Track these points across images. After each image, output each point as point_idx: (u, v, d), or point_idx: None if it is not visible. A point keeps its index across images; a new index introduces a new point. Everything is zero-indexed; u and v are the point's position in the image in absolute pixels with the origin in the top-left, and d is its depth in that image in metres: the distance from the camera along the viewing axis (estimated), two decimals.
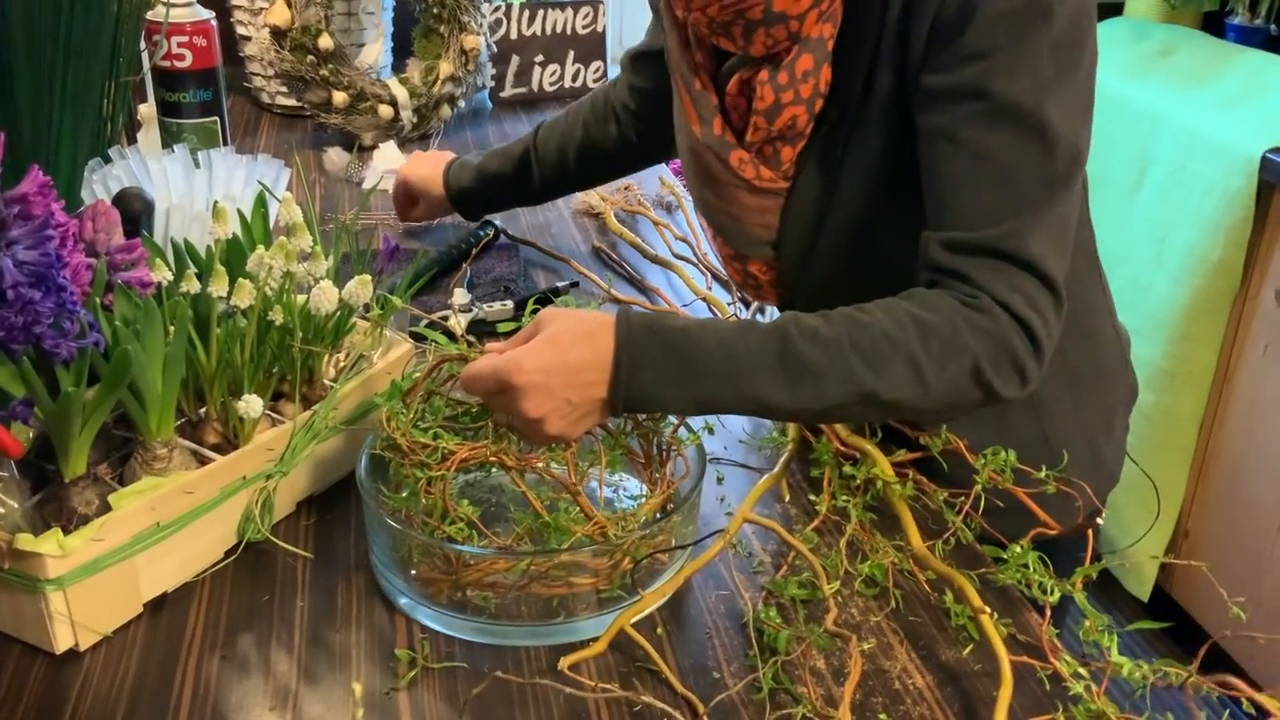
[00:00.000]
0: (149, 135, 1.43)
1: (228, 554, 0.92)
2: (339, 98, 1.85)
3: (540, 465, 0.86)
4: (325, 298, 0.91)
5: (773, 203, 0.98)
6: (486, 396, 0.84)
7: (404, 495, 0.85)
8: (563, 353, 0.81)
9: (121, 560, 0.83)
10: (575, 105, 1.39)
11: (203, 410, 0.94)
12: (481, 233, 1.47)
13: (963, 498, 0.91)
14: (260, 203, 1.02)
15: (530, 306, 0.96)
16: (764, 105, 0.92)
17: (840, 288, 0.92)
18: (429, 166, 1.46)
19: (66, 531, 0.79)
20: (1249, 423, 2.06)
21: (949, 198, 0.87)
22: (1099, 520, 0.85)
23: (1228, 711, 0.70)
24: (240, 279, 0.89)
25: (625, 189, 1.66)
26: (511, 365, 0.81)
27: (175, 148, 1.15)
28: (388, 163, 1.77)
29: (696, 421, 0.95)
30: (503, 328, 1.24)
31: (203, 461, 0.90)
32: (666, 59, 1.06)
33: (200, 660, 0.82)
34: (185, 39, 1.40)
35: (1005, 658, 0.78)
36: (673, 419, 0.93)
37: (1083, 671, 0.77)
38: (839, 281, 0.93)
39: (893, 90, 0.89)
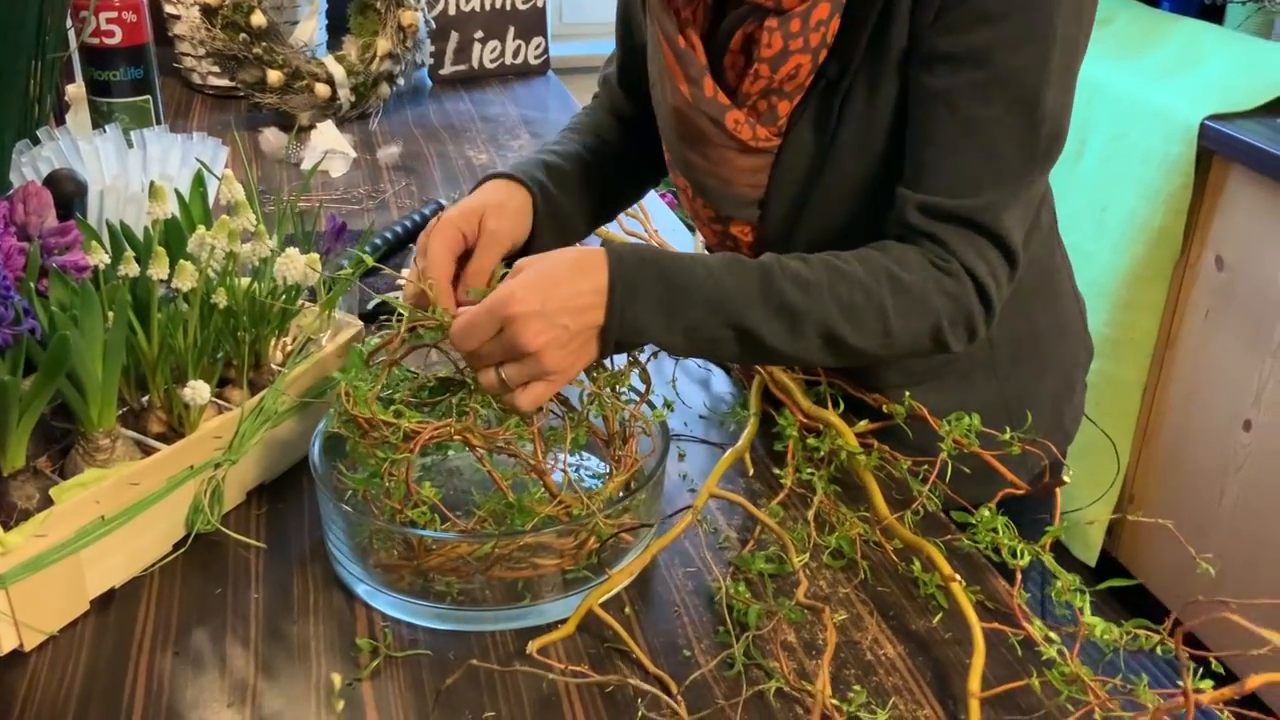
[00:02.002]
0: (78, 116, 1.38)
1: (176, 547, 0.89)
2: (273, 77, 1.80)
3: (504, 442, 0.83)
4: (292, 266, 0.88)
5: (764, 161, 0.96)
6: (480, 346, 0.80)
7: (362, 476, 0.83)
8: (556, 281, 0.80)
9: (65, 556, 0.79)
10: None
11: (145, 398, 0.90)
12: (427, 211, 1.44)
13: (927, 465, 0.90)
14: (199, 182, 0.98)
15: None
16: (770, 53, 0.90)
17: (824, 249, 0.91)
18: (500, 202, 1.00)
19: (6, 528, 0.76)
20: (1192, 388, 2.09)
21: (933, 161, 0.88)
22: (1066, 479, 0.84)
23: (1201, 669, 0.70)
24: (181, 261, 0.86)
25: None
26: (506, 297, 0.79)
27: (107, 128, 1.10)
28: (326, 143, 1.73)
29: (655, 400, 0.93)
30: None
31: (147, 452, 0.87)
32: (641, 15, 1.03)
33: (152, 657, 0.79)
34: (114, 14, 1.34)
35: (977, 625, 0.78)
36: (635, 395, 0.91)
37: (1054, 636, 0.77)
38: (823, 243, 0.92)
39: (904, 47, 0.88)
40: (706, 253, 1.05)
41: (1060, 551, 2.39)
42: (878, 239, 0.91)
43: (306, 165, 1.69)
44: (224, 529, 0.90)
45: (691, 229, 1.50)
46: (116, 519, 0.82)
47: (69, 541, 0.79)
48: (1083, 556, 2.31)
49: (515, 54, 2.16)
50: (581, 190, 1.06)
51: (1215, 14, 2.38)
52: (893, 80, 0.89)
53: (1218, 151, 1.94)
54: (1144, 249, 2.09)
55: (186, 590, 0.86)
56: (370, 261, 0.90)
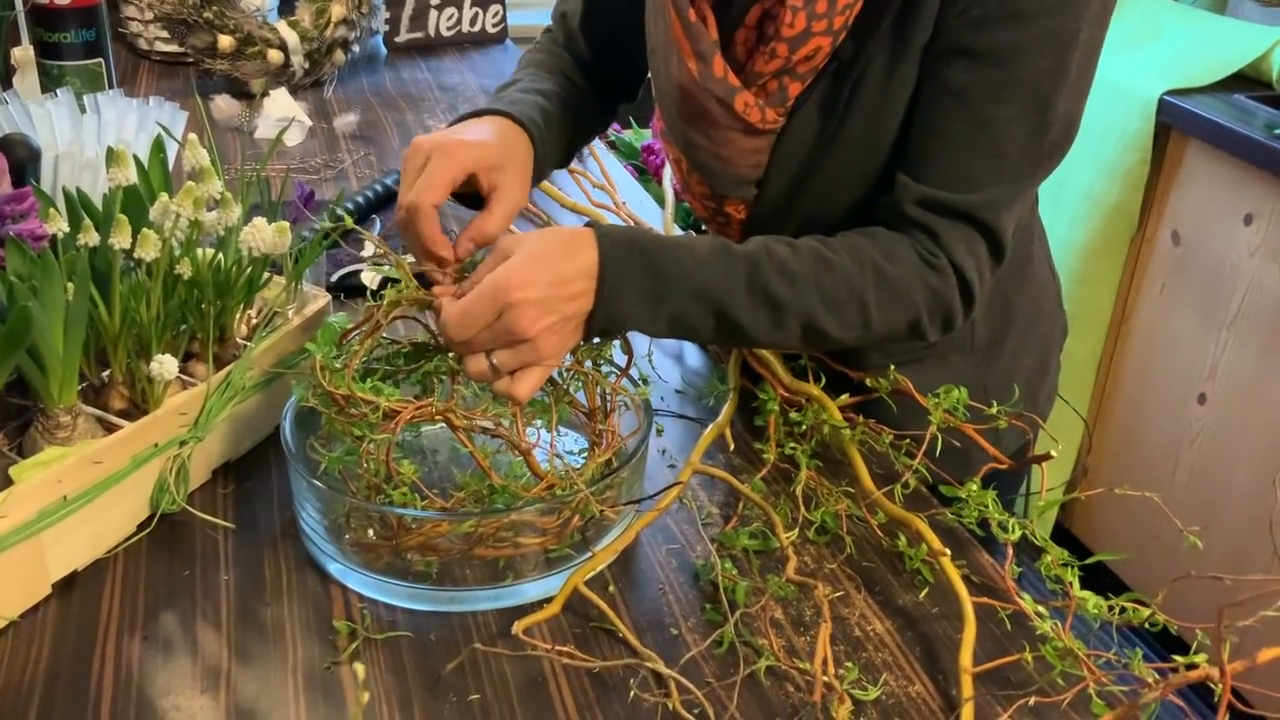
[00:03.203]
0: (26, 79, 1.32)
1: (141, 527, 0.85)
2: (224, 42, 1.75)
3: (487, 422, 0.81)
4: (260, 236, 0.85)
5: (766, 142, 0.94)
6: (477, 334, 0.78)
7: (339, 454, 0.80)
8: (551, 265, 0.78)
9: (26, 538, 0.76)
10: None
11: (106, 373, 0.87)
12: (389, 180, 1.40)
13: (910, 440, 0.89)
14: (158, 148, 0.94)
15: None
16: (791, 33, 0.86)
17: (818, 232, 0.89)
18: (484, 134, 0.91)
19: None
20: (1146, 362, 2.12)
21: (940, 153, 0.87)
22: (1053, 454, 0.84)
23: (1194, 645, 0.69)
24: (144, 230, 0.82)
25: None
26: (504, 283, 0.76)
27: (58, 92, 1.05)
28: (279, 111, 1.68)
29: (632, 374, 0.91)
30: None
31: (109, 429, 0.83)
32: None
33: (120, 642, 0.76)
34: None
35: (967, 599, 0.77)
36: (615, 370, 0.90)
37: (1043, 610, 0.77)
38: (818, 225, 0.90)
39: (929, 36, 0.86)
40: (691, 234, 1.03)
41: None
42: (872, 223, 0.90)
43: (260, 134, 1.64)
44: (190, 509, 0.87)
45: (660, 203, 1.47)
46: (79, 499, 0.79)
47: (30, 523, 0.76)
48: (1034, 518, 2.33)
49: (472, 21, 2.11)
50: (558, 137, 1.01)
51: None
52: (912, 68, 0.87)
53: (1176, 126, 1.95)
54: (1100, 224, 2.10)
55: (152, 572, 0.83)
56: (350, 222, 0.87)
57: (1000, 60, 0.84)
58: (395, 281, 0.84)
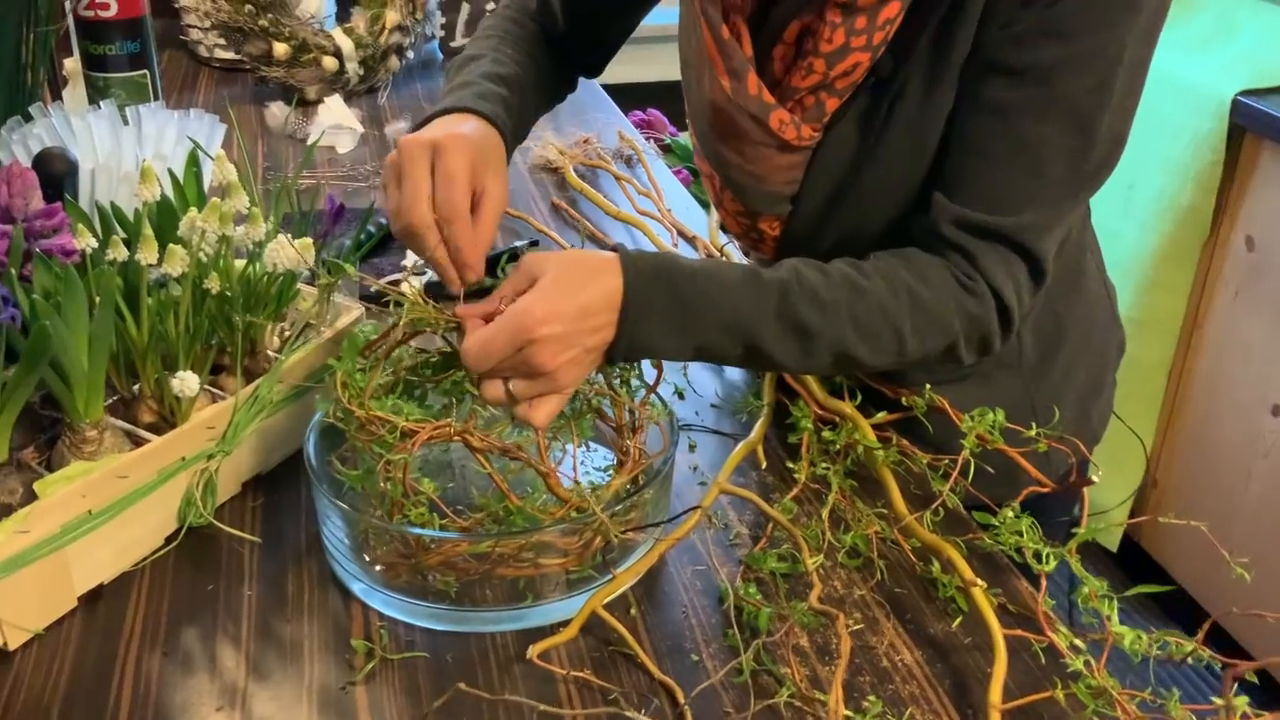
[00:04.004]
0: (75, 91, 1.34)
1: (168, 541, 0.86)
2: (280, 49, 1.76)
3: (507, 443, 0.80)
4: (281, 254, 0.84)
5: (802, 158, 0.91)
6: (497, 364, 0.76)
7: (359, 473, 0.79)
8: (574, 295, 0.76)
9: (51, 552, 0.76)
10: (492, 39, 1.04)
11: (136, 387, 0.87)
12: None
13: (947, 461, 0.87)
14: (193, 161, 0.95)
15: (502, 263, 0.90)
16: (830, 48, 0.84)
17: (852, 249, 0.87)
18: (457, 135, 0.84)
19: None
20: (1218, 370, 2.04)
21: (978, 173, 0.85)
22: (1094, 479, 0.80)
23: (1236, 685, 0.66)
24: (171, 245, 0.82)
25: (584, 142, 1.60)
26: (526, 319, 0.74)
27: (101, 104, 1.07)
28: (333, 118, 1.69)
29: (666, 389, 0.89)
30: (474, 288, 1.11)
31: (137, 443, 0.84)
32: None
33: (140, 657, 0.77)
34: None
35: (999, 632, 0.74)
36: (643, 386, 0.88)
37: (1080, 644, 0.74)
38: (853, 243, 0.88)
39: (969, 52, 0.83)
40: (721, 260, 1.01)
41: (1066, 537, 2.36)
42: (908, 241, 0.87)
43: (312, 140, 1.65)
44: (217, 523, 0.87)
45: (707, 207, 1.45)
46: (104, 513, 0.79)
47: (54, 537, 0.76)
48: (1104, 542, 2.27)
49: None
50: (516, 126, 0.97)
51: None
52: (952, 84, 0.84)
53: (1250, 128, 1.88)
54: (1172, 227, 2.03)
55: (177, 586, 0.83)
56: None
57: (1041, 78, 0.81)
58: (439, 287, 0.81)
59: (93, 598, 0.81)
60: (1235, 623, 1.93)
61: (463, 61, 1.00)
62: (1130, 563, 2.24)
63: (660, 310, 0.79)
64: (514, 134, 0.93)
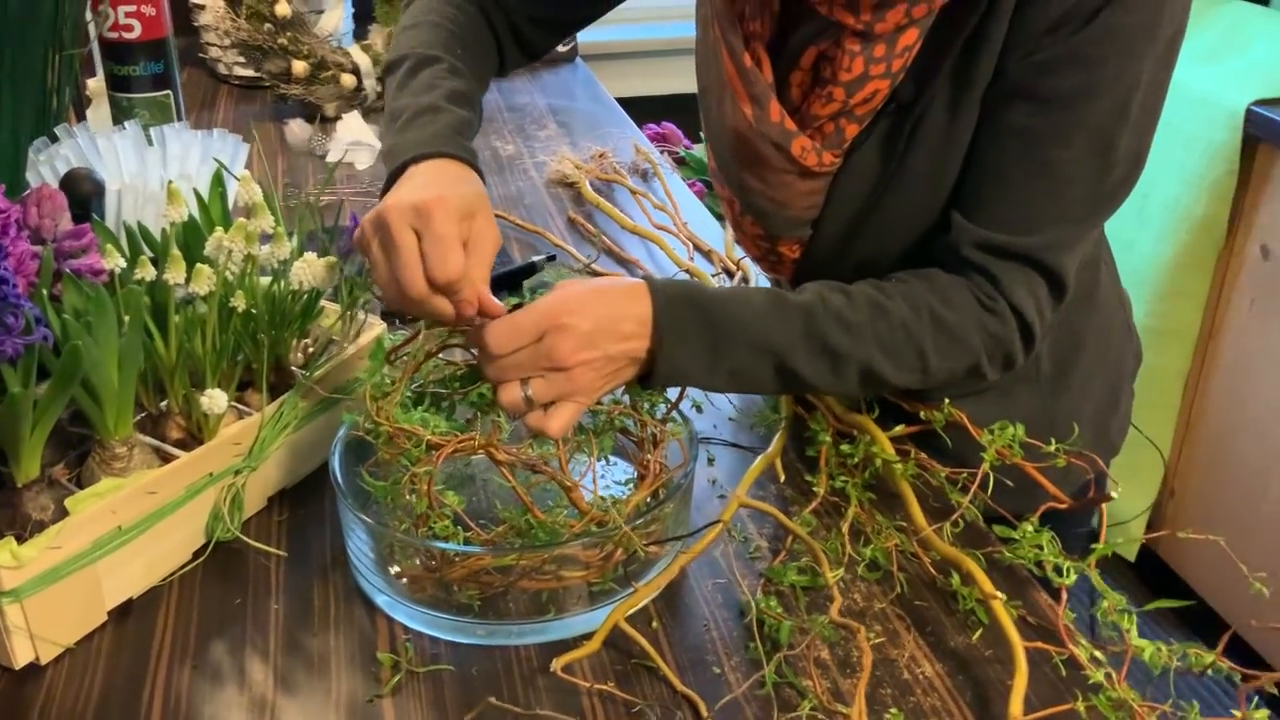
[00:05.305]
0: (99, 112, 1.36)
1: (195, 555, 0.87)
2: (299, 67, 1.78)
3: (532, 457, 0.81)
4: (310, 271, 0.86)
5: (823, 184, 0.92)
6: (517, 351, 0.76)
7: (386, 484, 0.80)
8: (606, 300, 0.78)
9: (82, 568, 0.78)
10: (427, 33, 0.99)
11: (164, 404, 0.89)
12: None
13: (965, 475, 0.87)
14: (218, 181, 0.96)
15: (526, 284, 0.91)
16: (849, 77, 0.85)
17: (872, 273, 0.88)
18: (450, 190, 0.82)
19: (21, 540, 0.74)
20: (1235, 380, 2.04)
21: (1000, 195, 0.86)
22: (1113, 495, 0.81)
23: (1257, 697, 0.66)
24: (198, 265, 0.83)
25: (600, 156, 1.61)
26: (556, 304, 0.76)
27: (126, 124, 1.08)
28: (352, 134, 1.70)
29: (684, 402, 0.90)
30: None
31: (166, 459, 0.85)
32: (705, 20, 0.96)
33: (170, 670, 0.78)
34: (133, 8, 1.32)
35: (1019, 645, 0.75)
36: (666, 402, 0.89)
37: (1100, 656, 0.74)
38: (874, 266, 0.89)
39: (991, 76, 0.84)
40: (744, 285, 1.01)
41: (1084, 550, 2.35)
42: (929, 264, 0.88)
43: (332, 157, 1.67)
44: (244, 537, 0.88)
45: (723, 221, 1.46)
46: (133, 529, 0.81)
47: (85, 553, 0.78)
48: (1123, 553, 2.27)
49: None
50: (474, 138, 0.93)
51: None
52: (974, 110, 0.85)
53: (1263, 138, 1.88)
54: (1187, 237, 2.03)
55: (205, 600, 0.84)
56: None
57: (1065, 103, 0.81)
58: None
59: (123, 612, 0.82)
60: (1255, 634, 1.92)
61: (418, 62, 0.94)
62: (1148, 573, 2.23)
63: (691, 335, 0.80)
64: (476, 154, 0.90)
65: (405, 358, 0.86)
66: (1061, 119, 0.82)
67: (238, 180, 0.88)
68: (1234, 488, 2.06)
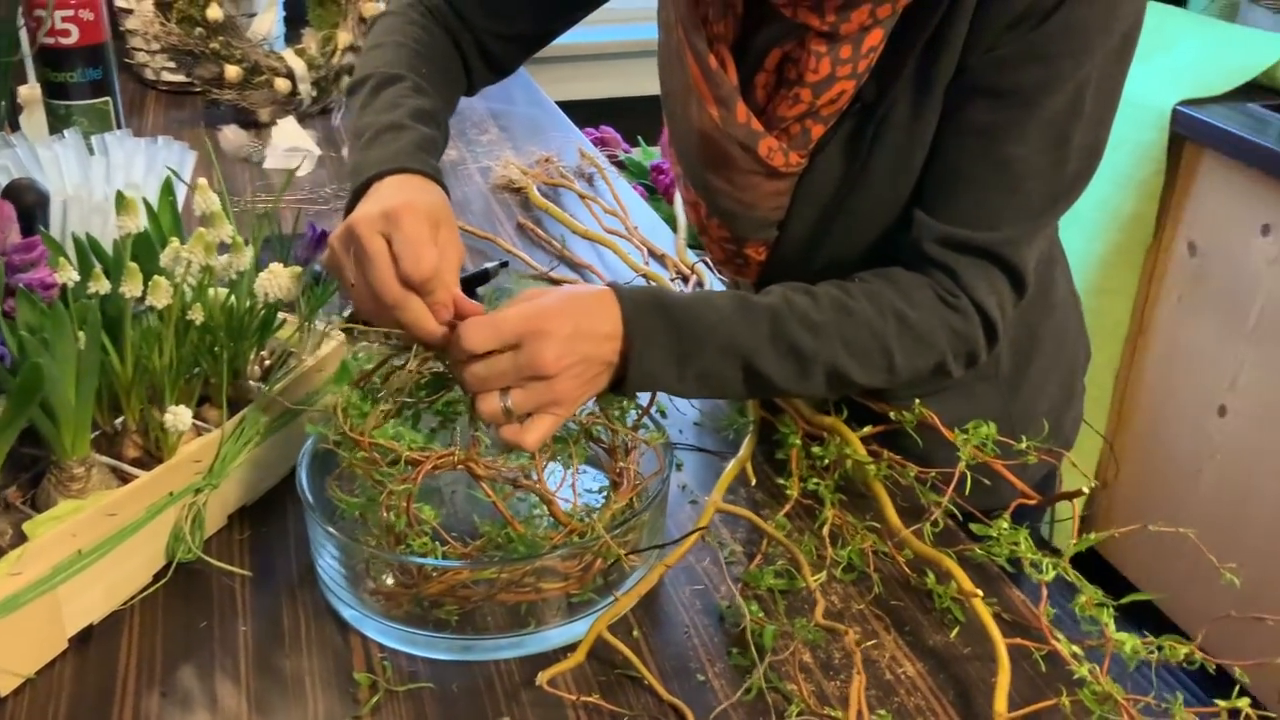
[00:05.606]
0: (33, 119, 1.31)
1: (156, 578, 0.84)
2: (231, 72, 1.74)
3: (511, 467, 0.80)
4: (275, 283, 0.83)
5: (788, 184, 0.92)
6: (491, 366, 0.75)
7: (359, 500, 0.79)
8: (579, 304, 0.77)
9: (42, 594, 0.75)
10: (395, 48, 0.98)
11: (119, 421, 0.86)
12: None
13: (934, 474, 0.88)
14: (167, 190, 0.93)
15: (490, 295, 0.90)
16: (816, 78, 0.85)
17: (838, 274, 0.88)
18: (418, 199, 0.82)
19: None
20: (1165, 374, 2.09)
21: (960, 191, 0.86)
22: (1085, 490, 0.82)
23: (1236, 688, 0.68)
24: (156, 277, 0.81)
25: (545, 161, 1.59)
26: (538, 308, 0.75)
27: (65, 132, 1.04)
28: (289, 140, 1.67)
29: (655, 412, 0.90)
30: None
31: (123, 479, 0.82)
32: (668, 24, 0.95)
33: (138, 698, 0.75)
34: (70, 12, 1.27)
35: (1001, 642, 0.75)
36: (637, 409, 0.88)
37: (1078, 650, 0.75)
38: (841, 266, 0.89)
39: (953, 74, 0.85)
40: (708, 290, 1.01)
41: (1039, 542, 2.40)
42: (893, 263, 0.89)
43: (269, 164, 1.63)
44: (206, 557, 0.85)
45: (671, 225, 1.46)
46: (94, 552, 0.78)
47: (45, 578, 0.75)
48: (1057, 542, 2.31)
49: None
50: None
51: None
52: (936, 107, 0.86)
53: (1189, 137, 1.94)
54: (1116, 235, 2.08)
55: (170, 624, 0.81)
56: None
57: (1023, 99, 0.83)
58: None
59: (83, 639, 0.79)
60: (1188, 622, 1.97)
61: (381, 81, 0.94)
62: (1082, 562, 2.28)
63: (659, 339, 0.80)
64: (441, 171, 0.89)
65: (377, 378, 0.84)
66: (1019, 114, 0.83)
67: (195, 189, 0.85)
68: (1165, 479, 2.11)
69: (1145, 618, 2.06)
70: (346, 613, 0.81)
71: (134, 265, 0.80)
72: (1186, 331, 2.03)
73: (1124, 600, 0.77)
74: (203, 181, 0.86)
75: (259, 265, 0.89)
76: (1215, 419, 1.99)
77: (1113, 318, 2.13)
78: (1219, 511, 1.99)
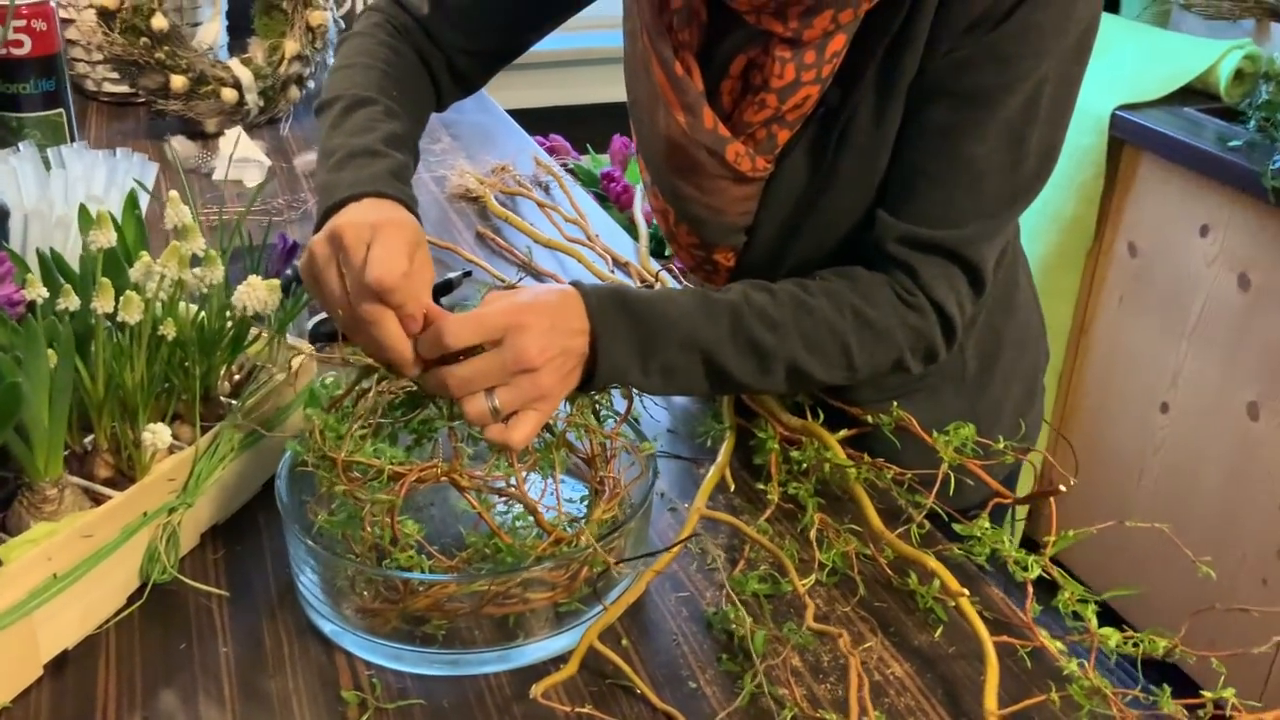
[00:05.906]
0: None
1: (131, 600, 0.82)
2: (177, 82, 1.71)
3: (496, 477, 0.79)
4: (253, 296, 0.82)
5: (756, 189, 0.93)
6: (475, 368, 0.75)
7: (341, 518, 0.77)
8: (549, 303, 0.78)
9: (17, 620, 0.72)
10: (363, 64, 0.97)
11: (89, 440, 0.84)
12: None
13: (910, 476, 0.89)
14: (132, 204, 0.91)
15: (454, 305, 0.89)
16: (782, 83, 0.86)
17: (807, 274, 0.89)
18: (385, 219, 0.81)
19: None
20: (1107, 373, 2.14)
21: (920, 190, 0.88)
22: (1063, 488, 0.84)
23: (1221, 678, 0.69)
24: (128, 292, 0.79)
25: (501, 170, 1.59)
26: (515, 304, 0.76)
27: (20, 145, 1.02)
28: (237, 151, 1.64)
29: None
30: None
31: (96, 499, 0.80)
32: (633, 33, 0.96)
33: None
34: (22, 23, 1.24)
35: (988, 640, 0.76)
36: (614, 416, 0.88)
37: (1062, 646, 0.76)
38: (807, 269, 0.90)
39: (914, 77, 0.86)
40: (669, 287, 1.02)
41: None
42: (856, 261, 0.90)
43: (219, 175, 1.60)
44: (182, 578, 0.83)
45: (630, 232, 1.46)
46: (69, 575, 0.76)
47: (20, 604, 0.72)
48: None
49: None
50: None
51: (1110, 4, 2.44)
52: (899, 110, 0.87)
53: (1128, 141, 1.98)
54: (1057, 237, 2.12)
55: (147, 647, 0.79)
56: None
57: (982, 100, 0.84)
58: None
59: (58, 665, 0.77)
60: (1175, 617, 2.02)
61: (352, 103, 0.92)
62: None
63: (623, 332, 0.81)
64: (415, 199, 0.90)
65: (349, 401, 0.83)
66: (978, 115, 0.85)
67: (167, 202, 0.83)
68: (1110, 474, 2.16)
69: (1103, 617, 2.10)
70: (330, 630, 0.80)
71: (106, 281, 0.79)
72: (1128, 331, 2.08)
73: (1106, 596, 0.79)
74: (174, 194, 0.84)
75: (228, 278, 0.87)
76: (1158, 416, 2.03)
77: (1055, 319, 2.18)
78: (1162, 506, 2.04)
